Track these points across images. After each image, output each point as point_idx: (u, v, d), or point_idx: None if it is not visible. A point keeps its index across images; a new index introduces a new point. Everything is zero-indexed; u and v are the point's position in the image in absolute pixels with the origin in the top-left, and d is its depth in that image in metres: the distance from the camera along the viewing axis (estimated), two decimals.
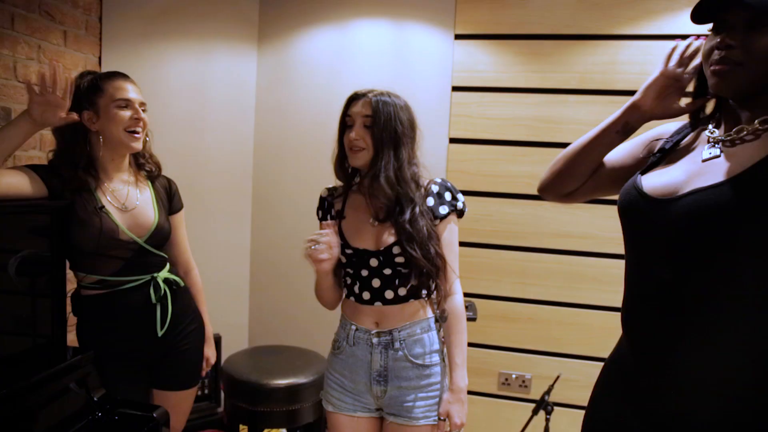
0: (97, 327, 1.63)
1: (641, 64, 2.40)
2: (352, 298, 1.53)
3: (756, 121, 0.92)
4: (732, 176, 0.89)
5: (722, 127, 1.00)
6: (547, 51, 2.52)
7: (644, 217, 1.00)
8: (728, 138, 0.96)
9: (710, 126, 1.02)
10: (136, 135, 1.58)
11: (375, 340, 1.48)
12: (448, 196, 1.52)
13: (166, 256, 1.72)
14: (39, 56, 2.00)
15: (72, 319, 1.63)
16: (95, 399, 1.54)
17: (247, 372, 2.15)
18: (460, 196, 1.54)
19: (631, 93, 1.13)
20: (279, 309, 2.89)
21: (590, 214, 2.50)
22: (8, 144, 1.42)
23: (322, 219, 1.60)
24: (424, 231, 1.44)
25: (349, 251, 1.49)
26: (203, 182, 2.69)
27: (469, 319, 2.21)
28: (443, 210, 1.50)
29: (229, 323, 2.81)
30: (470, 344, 2.64)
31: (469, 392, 2.66)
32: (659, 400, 0.98)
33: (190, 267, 1.85)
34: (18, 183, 1.44)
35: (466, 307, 2.26)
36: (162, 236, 1.67)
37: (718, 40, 0.92)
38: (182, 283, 1.74)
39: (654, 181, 1.01)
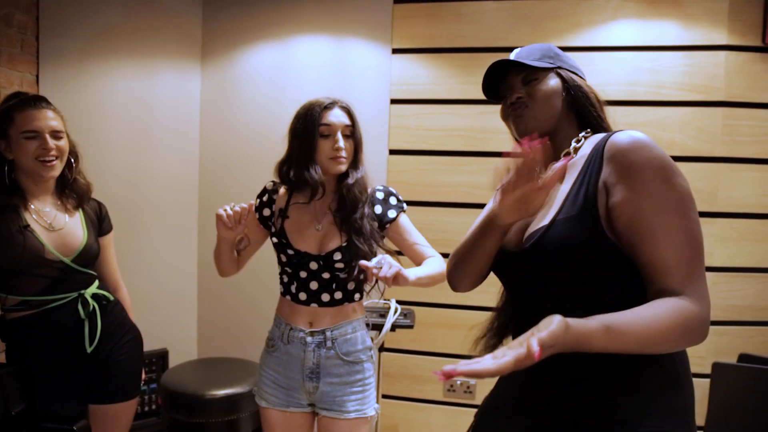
0: (25, 350, 1.63)
1: None
2: (288, 297, 1.59)
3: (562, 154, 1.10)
4: (546, 221, 1.02)
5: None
6: (481, 63, 2.58)
7: (504, 269, 1.15)
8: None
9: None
10: (48, 163, 1.58)
11: (309, 339, 1.54)
12: (393, 200, 1.63)
13: (94, 273, 1.73)
14: None
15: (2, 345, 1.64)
16: (13, 413, 1.55)
17: (184, 384, 2.16)
18: (401, 197, 1.66)
19: None
20: (229, 321, 2.89)
21: None
22: None
23: (256, 207, 1.64)
24: (368, 228, 1.53)
25: (290, 252, 1.54)
26: (149, 198, 2.70)
27: (406, 327, 2.26)
28: (392, 213, 1.61)
29: (176, 337, 2.81)
30: (413, 352, 2.70)
31: (416, 400, 2.72)
32: (551, 372, 1.03)
33: (119, 286, 1.88)
34: None
35: (405, 315, 2.30)
36: (90, 256, 1.69)
37: (510, 99, 1.13)
38: (112, 298, 1.75)
39: (509, 233, 1.13)
